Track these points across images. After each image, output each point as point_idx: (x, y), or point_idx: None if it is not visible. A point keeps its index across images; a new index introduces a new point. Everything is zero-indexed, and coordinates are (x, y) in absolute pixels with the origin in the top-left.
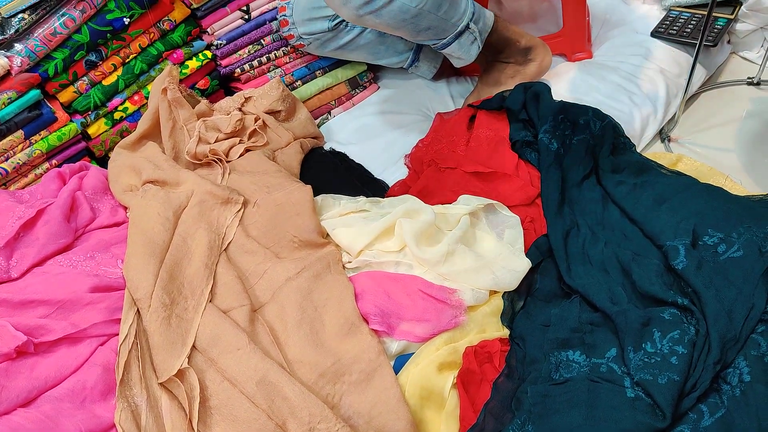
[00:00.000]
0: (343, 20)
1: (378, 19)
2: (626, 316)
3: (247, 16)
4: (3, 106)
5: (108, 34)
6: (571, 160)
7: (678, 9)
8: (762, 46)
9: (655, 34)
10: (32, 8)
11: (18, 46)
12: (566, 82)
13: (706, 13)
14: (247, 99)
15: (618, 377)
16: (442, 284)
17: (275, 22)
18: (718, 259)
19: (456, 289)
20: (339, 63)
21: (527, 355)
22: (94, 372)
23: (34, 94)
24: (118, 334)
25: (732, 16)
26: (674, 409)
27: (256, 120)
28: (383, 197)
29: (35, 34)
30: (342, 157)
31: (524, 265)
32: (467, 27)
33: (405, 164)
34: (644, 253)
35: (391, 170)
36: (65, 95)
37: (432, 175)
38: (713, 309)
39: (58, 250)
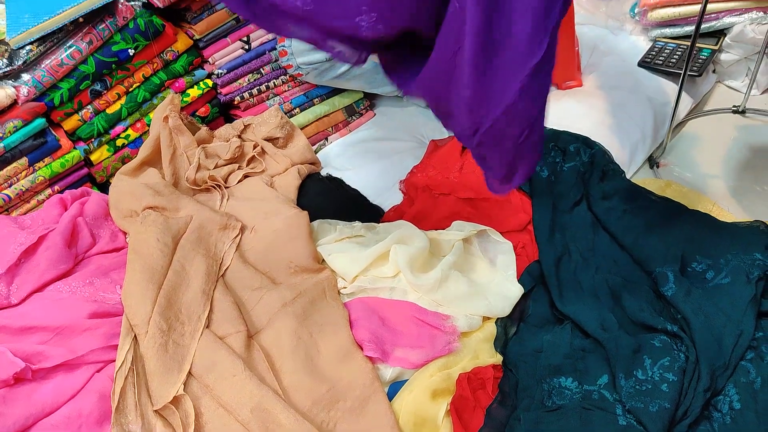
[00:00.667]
0: None
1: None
2: (617, 342)
3: (247, 46)
4: (9, 134)
5: (113, 65)
6: (562, 188)
7: (663, 40)
8: (746, 75)
9: (642, 63)
10: (41, 40)
11: (25, 76)
12: (557, 110)
13: (690, 44)
14: (246, 126)
15: (610, 404)
16: (436, 310)
17: (274, 51)
18: (707, 286)
19: (450, 316)
20: (336, 91)
21: (520, 382)
22: (90, 399)
23: (40, 122)
24: (114, 361)
25: (716, 47)
26: None
27: (254, 147)
28: (379, 222)
29: (42, 65)
30: (338, 182)
31: (517, 291)
32: None
33: (400, 189)
34: (634, 280)
35: (386, 195)
36: (70, 123)
37: (426, 201)
38: (703, 336)
39: (58, 276)
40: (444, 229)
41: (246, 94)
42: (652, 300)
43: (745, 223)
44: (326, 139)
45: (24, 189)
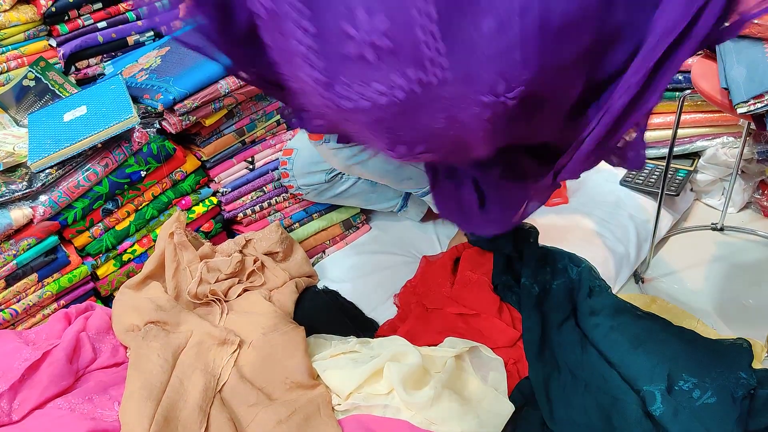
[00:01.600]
0: (339, 173)
1: (364, 169)
2: None
3: (251, 166)
4: (22, 252)
5: (125, 185)
6: (551, 304)
7: None
8: (722, 194)
9: (624, 183)
10: (60, 164)
11: (42, 197)
12: (544, 226)
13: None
14: (247, 241)
15: None
16: (429, 428)
17: (276, 171)
18: (694, 405)
19: None
20: (334, 206)
21: None
22: None
23: (52, 240)
24: None
25: (692, 168)
26: None
27: (255, 261)
28: (373, 336)
29: (59, 187)
30: (334, 295)
31: (508, 408)
32: None
33: (394, 303)
34: (623, 397)
35: (381, 309)
36: (80, 240)
37: (419, 316)
38: None
39: (59, 392)
40: (437, 344)
41: (248, 211)
42: (641, 420)
43: (729, 340)
44: (324, 251)
45: (31, 304)
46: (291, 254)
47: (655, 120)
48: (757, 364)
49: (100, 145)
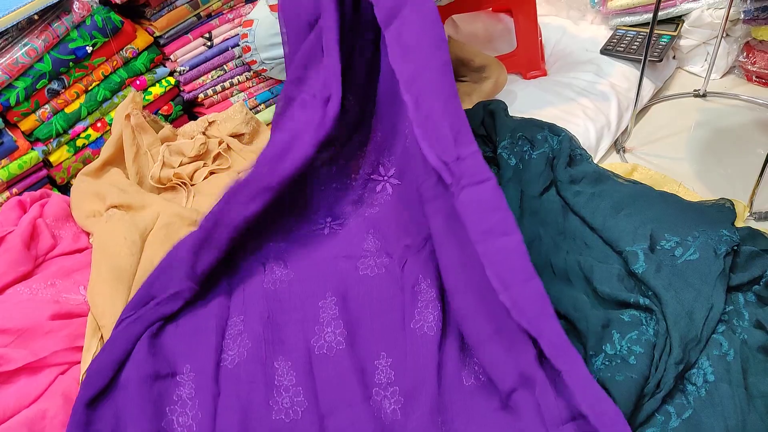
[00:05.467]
0: None
1: None
2: (588, 320)
3: (209, 43)
4: None
5: (70, 63)
6: (531, 174)
7: (624, 28)
8: (705, 60)
9: (604, 51)
10: None
11: None
12: (523, 99)
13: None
14: (210, 123)
15: None
16: None
17: (238, 48)
18: (676, 263)
19: None
20: None
21: None
22: (54, 401)
23: None
24: (79, 362)
25: (675, 33)
26: (634, 407)
27: (220, 143)
28: None
29: None
30: None
31: None
32: None
33: None
34: (605, 260)
35: None
36: (27, 123)
37: None
38: (673, 310)
39: (17, 278)
40: None
41: (210, 91)
42: (624, 278)
43: (711, 201)
44: None
45: None
46: (258, 136)
47: None
48: (740, 223)
49: (36, 17)
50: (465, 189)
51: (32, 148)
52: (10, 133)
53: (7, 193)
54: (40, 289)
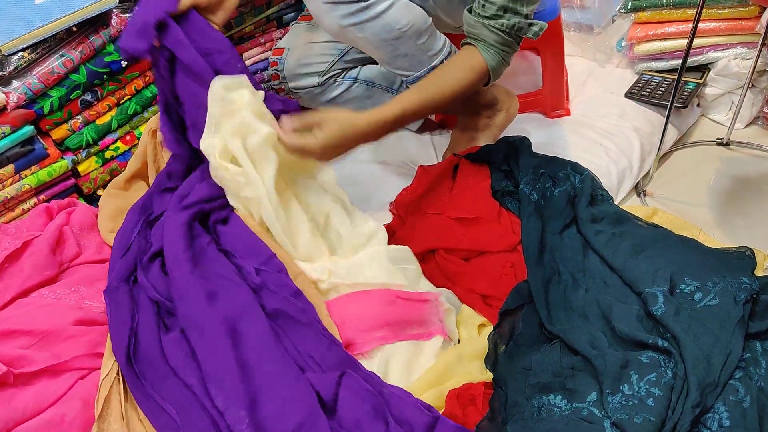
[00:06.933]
0: (332, 75)
1: (360, 33)
2: (605, 359)
3: None
4: None
5: (105, 76)
6: (552, 211)
7: (649, 73)
8: (729, 109)
9: (629, 95)
10: (32, 47)
11: (15, 83)
12: (546, 138)
13: (674, 77)
14: None
15: (598, 419)
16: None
17: (267, 72)
18: (695, 307)
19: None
20: None
21: (509, 398)
22: (74, 405)
23: (28, 129)
24: (99, 368)
25: (701, 81)
26: None
27: None
28: None
29: (33, 72)
30: None
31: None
32: (441, 63)
33: (390, 210)
34: (624, 300)
35: (374, 217)
36: (58, 132)
37: (417, 221)
38: (692, 353)
39: (42, 282)
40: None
41: None
42: (642, 318)
43: (732, 248)
44: None
45: (9, 197)
46: None
47: (666, 29)
48: (759, 272)
49: (75, 29)
50: None
51: (62, 157)
52: (41, 140)
53: (34, 199)
54: (64, 295)
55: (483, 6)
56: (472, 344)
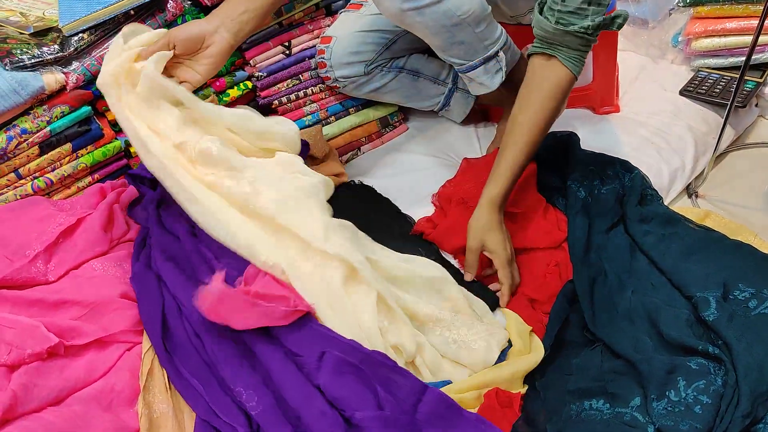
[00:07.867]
0: (378, 65)
1: (420, 17)
2: (650, 363)
3: (288, 52)
4: (56, 119)
5: None
6: (600, 209)
7: (707, 70)
8: None
9: (684, 92)
10: (92, 29)
11: (75, 64)
12: (594, 134)
13: (734, 75)
14: None
15: (642, 425)
16: None
17: (314, 60)
18: (749, 314)
19: None
20: (371, 102)
21: (547, 403)
22: (122, 376)
23: (86, 110)
24: (141, 342)
25: (761, 80)
26: None
27: None
28: (410, 232)
29: (92, 54)
30: (369, 188)
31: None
32: (497, 54)
33: (432, 202)
34: (672, 303)
35: (415, 207)
36: (113, 114)
37: (459, 214)
38: (745, 362)
39: (94, 257)
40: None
41: (284, 99)
42: (692, 324)
43: None
44: (359, 149)
45: (66, 174)
46: (325, 159)
47: (726, 25)
48: None
49: (132, 12)
50: None
51: (116, 138)
52: (98, 121)
53: (89, 178)
54: (110, 269)
55: (563, 0)
56: (527, 362)
